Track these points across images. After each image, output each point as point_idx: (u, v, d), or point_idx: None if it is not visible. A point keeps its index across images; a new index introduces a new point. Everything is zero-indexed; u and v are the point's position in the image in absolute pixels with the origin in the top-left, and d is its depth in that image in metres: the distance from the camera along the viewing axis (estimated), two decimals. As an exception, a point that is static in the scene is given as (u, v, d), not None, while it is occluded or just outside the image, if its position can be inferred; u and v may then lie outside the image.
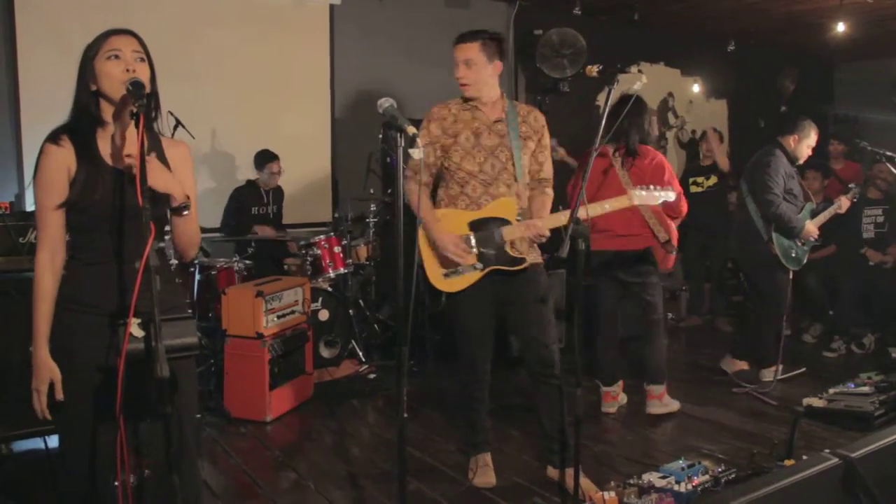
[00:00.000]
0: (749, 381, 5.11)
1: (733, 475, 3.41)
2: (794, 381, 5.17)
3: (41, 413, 2.08)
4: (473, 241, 3.37)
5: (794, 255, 5.03)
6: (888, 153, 5.27)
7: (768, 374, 5.13)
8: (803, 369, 5.32)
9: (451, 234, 3.34)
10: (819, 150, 7.72)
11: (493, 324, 3.55)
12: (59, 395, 2.08)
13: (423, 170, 3.42)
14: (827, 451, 2.52)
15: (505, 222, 3.36)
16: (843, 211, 5.34)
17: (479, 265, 3.37)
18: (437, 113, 3.48)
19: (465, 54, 3.36)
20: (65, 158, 2.09)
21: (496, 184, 3.40)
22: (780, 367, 5.05)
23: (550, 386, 3.42)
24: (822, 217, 5.20)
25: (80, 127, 2.15)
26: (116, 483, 2.10)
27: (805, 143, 5.08)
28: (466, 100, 3.46)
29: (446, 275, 3.39)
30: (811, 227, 5.01)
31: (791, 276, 5.04)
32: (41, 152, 2.11)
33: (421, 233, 3.34)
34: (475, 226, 3.39)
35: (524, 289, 3.43)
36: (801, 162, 5.15)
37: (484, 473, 3.59)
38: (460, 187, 3.43)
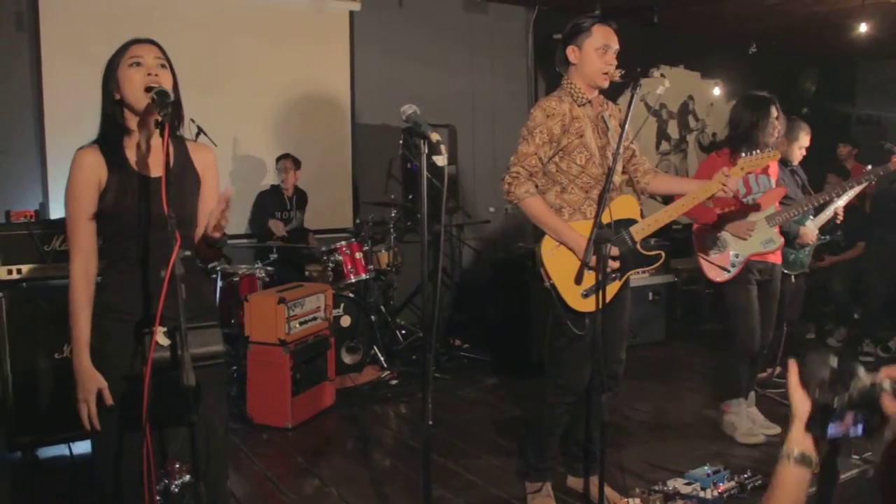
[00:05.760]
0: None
1: (759, 481, 3.39)
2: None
3: (88, 423, 2.06)
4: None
5: (791, 258, 4.76)
6: None
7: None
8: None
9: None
10: (829, 152, 7.69)
11: None
12: (109, 401, 2.06)
13: (538, 171, 3.07)
14: (856, 457, 2.48)
15: (631, 222, 3.11)
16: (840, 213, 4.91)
17: (617, 274, 3.09)
18: (553, 107, 3.06)
19: (616, 40, 3.10)
20: (96, 170, 2.11)
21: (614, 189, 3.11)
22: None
23: (602, 398, 3.04)
24: (823, 217, 4.84)
25: (108, 136, 2.16)
26: (159, 487, 2.11)
27: (795, 145, 4.80)
28: (572, 95, 3.13)
29: (586, 294, 3.02)
30: (808, 230, 4.67)
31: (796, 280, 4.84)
32: (73, 164, 2.12)
33: (549, 252, 3.06)
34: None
35: (623, 293, 3.20)
36: (795, 164, 4.85)
37: None
38: (584, 193, 3.10)
